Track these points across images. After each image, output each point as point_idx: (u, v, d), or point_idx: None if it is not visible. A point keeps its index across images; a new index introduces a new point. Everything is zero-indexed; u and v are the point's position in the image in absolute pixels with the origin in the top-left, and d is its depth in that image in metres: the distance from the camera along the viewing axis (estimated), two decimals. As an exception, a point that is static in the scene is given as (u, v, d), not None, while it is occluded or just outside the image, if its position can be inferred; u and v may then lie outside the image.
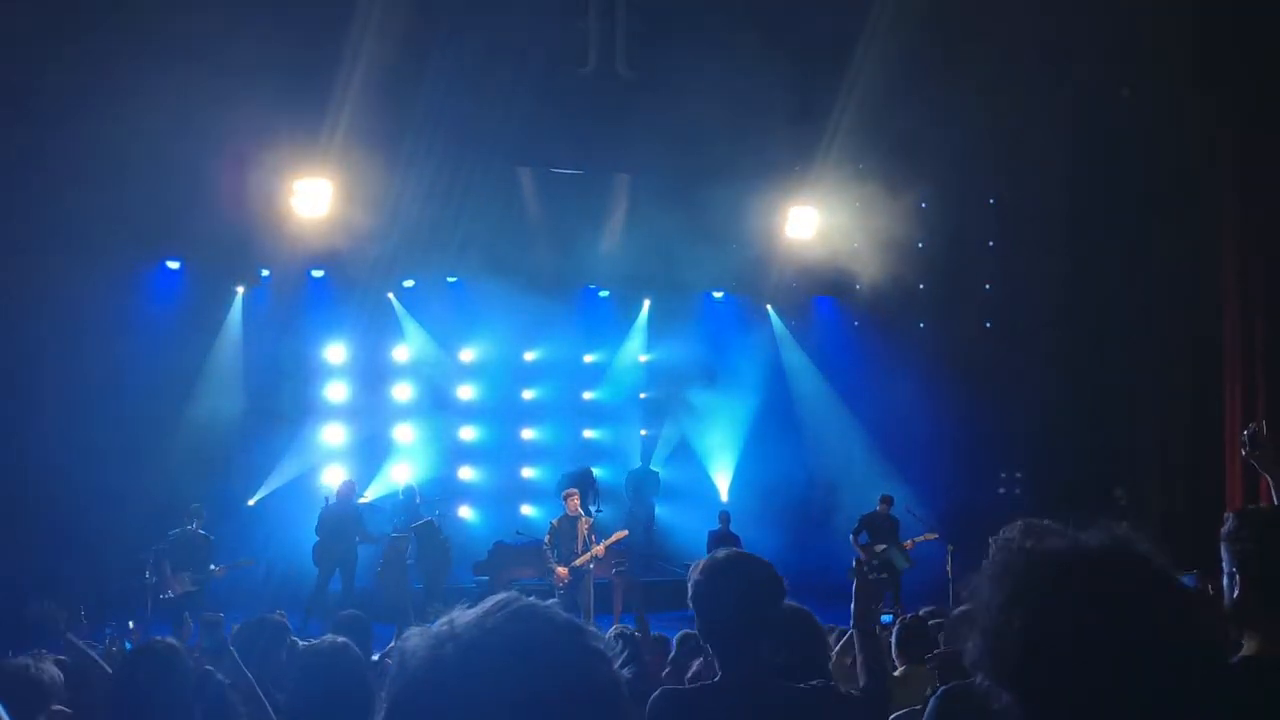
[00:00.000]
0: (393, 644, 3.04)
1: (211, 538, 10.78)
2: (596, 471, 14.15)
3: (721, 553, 2.67)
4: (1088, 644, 1.20)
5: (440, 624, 1.12)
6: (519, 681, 1.06)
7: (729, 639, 2.58)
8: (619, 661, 1.13)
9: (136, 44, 9.42)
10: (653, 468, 14.86)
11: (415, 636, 1.12)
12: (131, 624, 6.95)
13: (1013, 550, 1.30)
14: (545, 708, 1.06)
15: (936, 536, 11.37)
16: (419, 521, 12.07)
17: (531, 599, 1.14)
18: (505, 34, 10.68)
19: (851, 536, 12.11)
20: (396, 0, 10.17)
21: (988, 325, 14.03)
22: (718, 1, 10.77)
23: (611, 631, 4.68)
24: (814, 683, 2.68)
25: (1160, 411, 13.04)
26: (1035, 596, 1.25)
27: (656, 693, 2.62)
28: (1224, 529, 2.41)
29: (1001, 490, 13.94)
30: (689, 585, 2.64)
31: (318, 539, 11.58)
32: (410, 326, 14.98)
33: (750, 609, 2.56)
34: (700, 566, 2.64)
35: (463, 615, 1.12)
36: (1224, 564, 2.38)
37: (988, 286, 13.95)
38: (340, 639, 3.39)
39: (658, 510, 14.78)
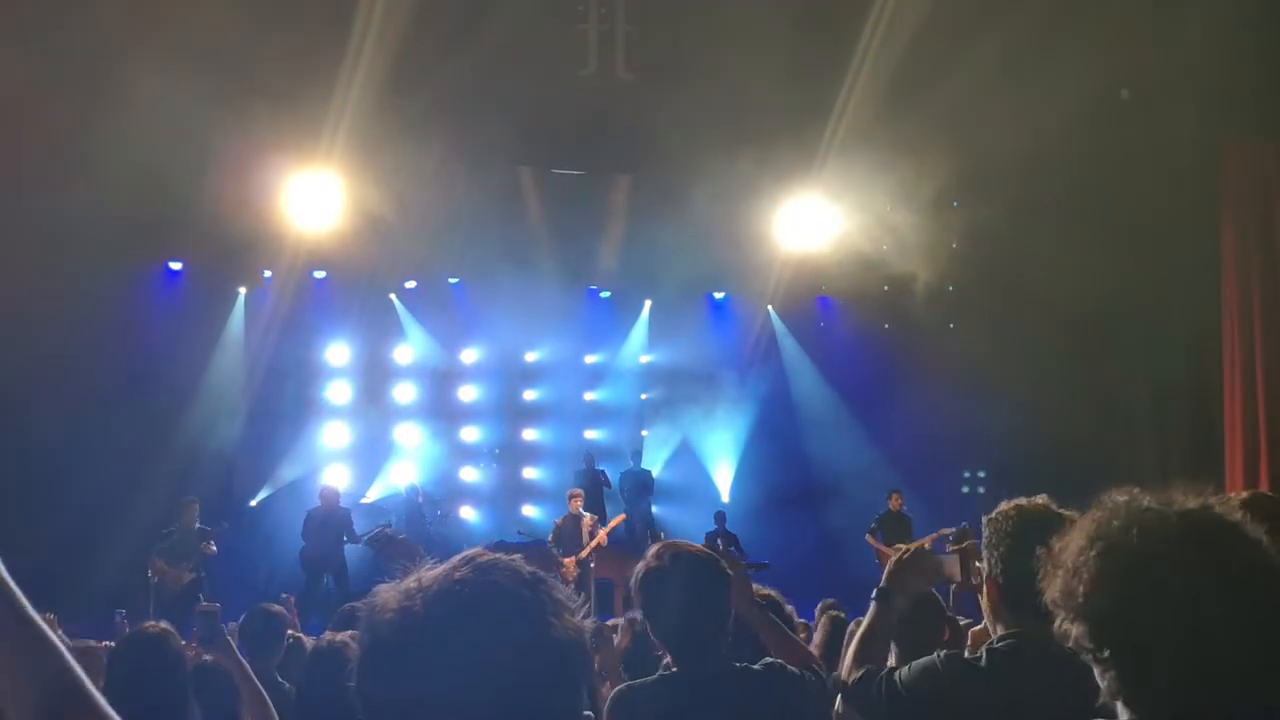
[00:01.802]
0: None
1: (210, 529, 10.83)
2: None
3: (664, 555, 2.62)
4: (1158, 581, 1.25)
5: (409, 580, 1.15)
6: (484, 629, 1.09)
7: (679, 638, 2.58)
8: (582, 613, 1.17)
9: (137, 44, 9.46)
10: (645, 467, 14.83)
11: (384, 591, 1.15)
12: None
13: (1102, 502, 1.37)
14: (510, 654, 1.09)
15: (952, 533, 11.37)
16: (372, 531, 11.66)
17: (497, 555, 1.18)
18: (506, 37, 10.73)
19: (868, 536, 12.16)
20: (398, 3, 10.22)
21: (990, 325, 14.03)
22: (716, 4, 10.81)
23: (620, 621, 4.65)
24: (767, 661, 2.67)
25: (1160, 414, 13.07)
26: (1111, 535, 1.31)
27: (612, 694, 2.62)
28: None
29: (999, 490, 13.92)
30: (633, 588, 2.62)
31: (304, 544, 11.63)
32: (412, 327, 15.02)
33: (695, 607, 2.54)
34: (640, 570, 2.61)
35: (430, 570, 1.15)
36: None
37: (1002, 277, 13.91)
38: (339, 639, 3.41)
39: (658, 510, 14.78)
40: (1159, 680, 1.26)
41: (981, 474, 14.55)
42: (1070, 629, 1.32)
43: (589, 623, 1.18)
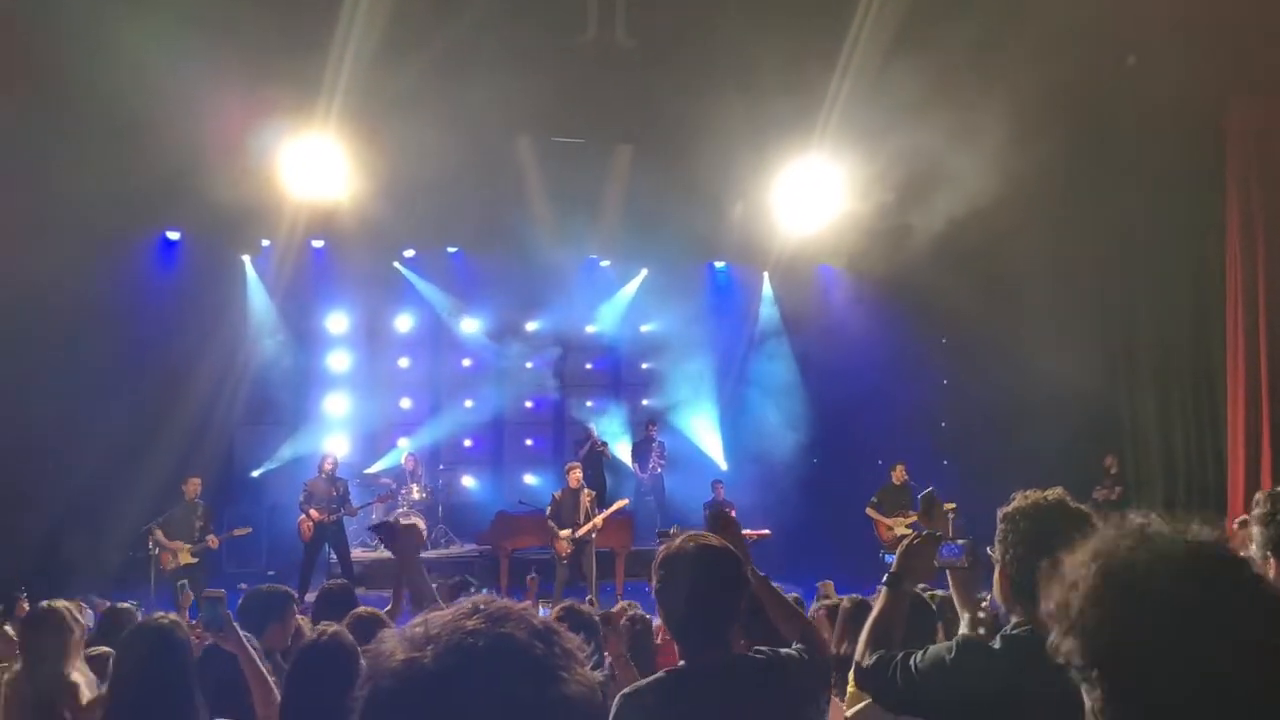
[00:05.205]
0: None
1: (210, 507, 10.89)
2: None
3: (688, 545, 2.61)
4: (1154, 609, 1.23)
5: (414, 626, 1.11)
6: (496, 685, 1.06)
7: (691, 631, 2.59)
8: (591, 663, 1.14)
9: (132, 7, 9.31)
10: (658, 438, 14.83)
11: (390, 640, 1.11)
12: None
13: (1114, 523, 1.34)
14: (522, 711, 1.06)
15: (954, 507, 11.31)
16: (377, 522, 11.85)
17: (506, 602, 1.14)
18: (504, 3, 10.60)
19: (868, 508, 12.12)
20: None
21: (985, 300, 13.99)
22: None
23: (554, 612, 4.49)
24: (764, 649, 2.68)
25: (1163, 401, 13.09)
26: (1115, 555, 1.28)
27: (617, 698, 2.59)
28: (1255, 511, 2.40)
29: (998, 462, 13.93)
30: (653, 575, 2.62)
31: (303, 515, 11.62)
32: (412, 296, 14.98)
33: (711, 603, 2.55)
34: (660, 560, 2.61)
35: (438, 617, 1.11)
36: (1254, 545, 2.38)
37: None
38: (332, 629, 3.39)
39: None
40: (1140, 708, 1.24)
41: (976, 445, 14.48)
42: (1062, 643, 1.30)
43: (599, 675, 1.15)
